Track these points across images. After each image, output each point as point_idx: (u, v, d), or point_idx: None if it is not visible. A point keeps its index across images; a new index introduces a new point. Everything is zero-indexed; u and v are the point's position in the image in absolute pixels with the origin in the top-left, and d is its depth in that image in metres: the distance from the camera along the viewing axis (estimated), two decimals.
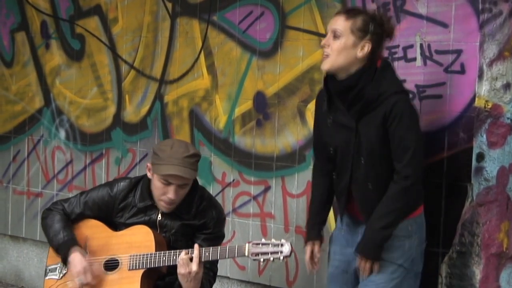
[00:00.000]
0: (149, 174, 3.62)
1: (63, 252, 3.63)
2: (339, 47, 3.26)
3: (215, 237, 3.64)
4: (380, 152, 3.28)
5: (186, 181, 3.53)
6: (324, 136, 3.45)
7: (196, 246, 3.45)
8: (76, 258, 3.59)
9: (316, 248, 3.53)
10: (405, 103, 3.26)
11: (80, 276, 3.57)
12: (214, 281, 3.67)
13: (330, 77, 3.35)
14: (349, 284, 3.47)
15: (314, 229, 3.55)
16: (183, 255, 3.42)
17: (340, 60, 3.26)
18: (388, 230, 3.28)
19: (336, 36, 3.27)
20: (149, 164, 3.61)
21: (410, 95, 3.48)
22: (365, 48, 3.26)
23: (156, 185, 3.54)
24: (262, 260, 3.37)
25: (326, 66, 3.30)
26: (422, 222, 3.40)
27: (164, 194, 3.53)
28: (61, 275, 3.70)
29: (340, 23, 3.28)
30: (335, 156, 3.39)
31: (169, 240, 3.61)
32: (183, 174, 3.49)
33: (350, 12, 3.31)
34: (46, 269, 3.78)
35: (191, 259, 3.43)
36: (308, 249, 3.54)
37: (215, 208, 3.69)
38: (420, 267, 3.42)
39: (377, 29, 3.27)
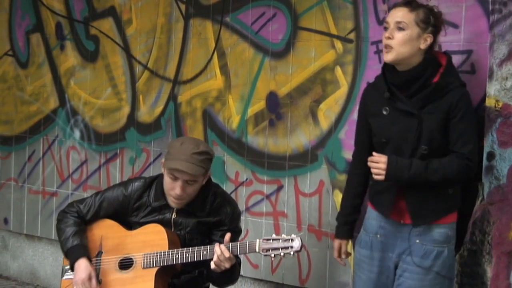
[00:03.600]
0: (162, 170, 3.66)
1: (71, 258, 3.65)
2: (404, 38, 3.29)
3: (232, 233, 3.63)
4: (440, 141, 3.30)
5: (191, 177, 3.53)
6: (375, 128, 3.42)
7: (217, 244, 3.46)
8: (81, 265, 3.60)
9: (343, 247, 3.59)
10: (468, 98, 3.33)
11: (84, 283, 3.58)
12: (240, 268, 3.66)
13: (388, 69, 3.38)
14: None
15: (344, 228, 3.58)
16: (218, 256, 3.42)
17: (404, 52, 3.30)
18: (422, 177, 3.24)
19: (400, 28, 3.30)
20: (162, 160, 3.66)
21: None
22: (428, 40, 3.31)
23: (166, 180, 3.59)
24: (273, 255, 3.38)
25: (389, 57, 3.32)
26: (455, 228, 3.42)
27: (172, 190, 3.56)
28: None
29: (404, 15, 3.30)
30: (386, 146, 3.37)
31: (185, 238, 3.63)
32: (187, 169, 3.49)
33: (412, 4, 3.33)
34: (63, 269, 3.80)
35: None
36: (335, 246, 3.60)
37: (230, 204, 3.71)
38: (454, 273, 3.43)
39: (436, 21, 3.33)
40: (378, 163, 3.31)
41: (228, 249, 3.43)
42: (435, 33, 3.34)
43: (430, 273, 3.33)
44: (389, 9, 3.53)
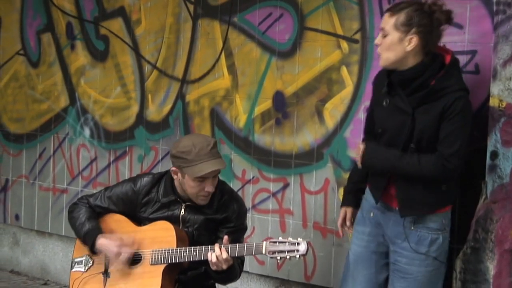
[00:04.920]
0: (176, 177, 3.65)
1: (89, 240, 3.68)
2: (386, 44, 3.33)
3: (238, 230, 3.69)
4: (429, 141, 3.33)
5: (219, 171, 3.61)
6: (375, 116, 3.49)
7: (217, 245, 3.50)
8: (105, 243, 3.64)
9: (348, 214, 3.65)
10: (465, 101, 3.31)
11: (119, 255, 3.61)
12: (243, 267, 3.71)
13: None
14: (377, 266, 3.51)
15: (349, 196, 3.66)
16: (213, 257, 3.48)
17: (391, 57, 3.33)
18: (396, 168, 3.32)
19: (384, 34, 3.34)
20: (174, 169, 3.64)
21: None
22: (413, 41, 3.28)
23: (191, 185, 3.57)
24: (279, 258, 3.42)
25: (381, 63, 3.39)
26: (450, 217, 3.48)
27: (202, 190, 3.58)
28: (86, 267, 3.76)
29: (386, 21, 3.34)
30: (381, 137, 3.44)
31: (193, 234, 3.66)
32: (219, 166, 3.56)
33: (394, 8, 3.35)
34: (72, 262, 3.84)
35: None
36: (341, 214, 3.68)
37: (236, 202, 3.74)
38: (446, 257, 3.49)
39: (422, 20, 3.28)
40: (358, 151, 3.44)
41: (227, 251, 3.46)
42: (425, 31, 3.28)
43: (427, 258, 3.40)
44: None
